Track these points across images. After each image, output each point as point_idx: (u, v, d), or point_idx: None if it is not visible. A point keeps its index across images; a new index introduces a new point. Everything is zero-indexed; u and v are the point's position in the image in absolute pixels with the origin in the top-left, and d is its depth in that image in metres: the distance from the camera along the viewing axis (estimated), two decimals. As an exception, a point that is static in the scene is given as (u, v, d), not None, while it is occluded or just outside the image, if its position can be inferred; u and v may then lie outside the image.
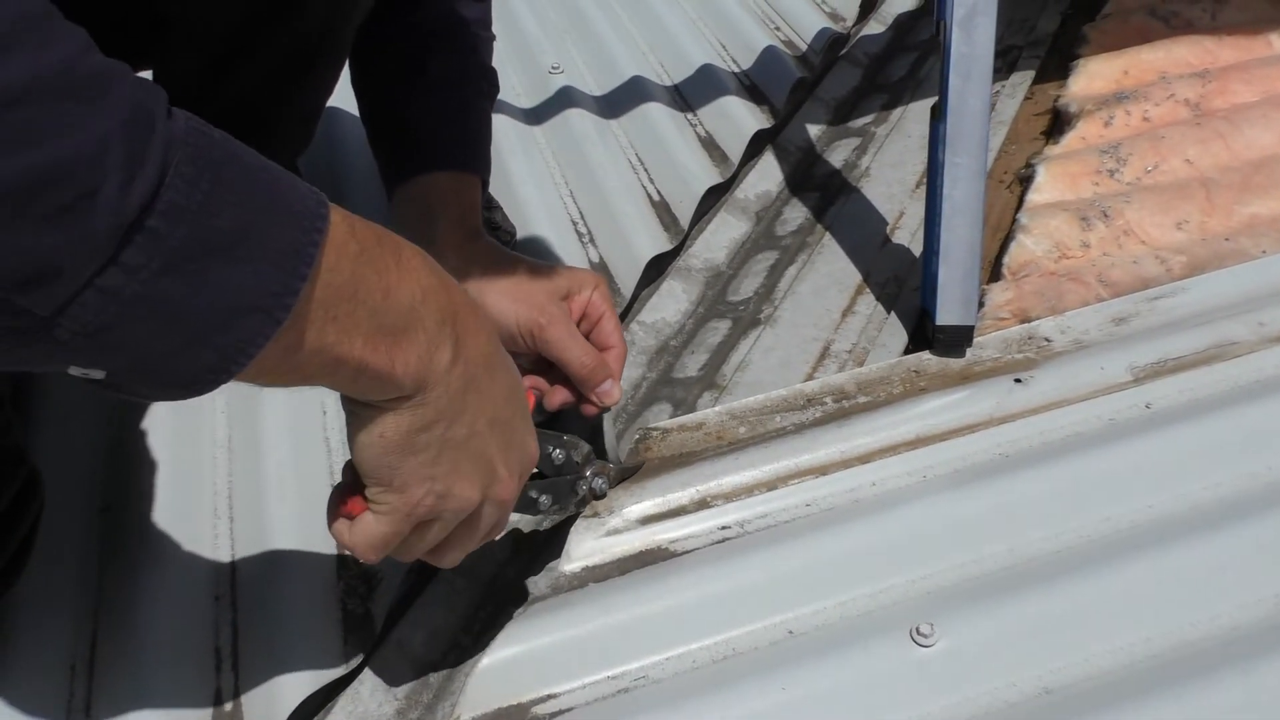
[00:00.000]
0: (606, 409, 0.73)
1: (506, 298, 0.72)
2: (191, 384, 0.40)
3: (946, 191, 0.82)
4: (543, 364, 0.74)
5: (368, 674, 0.69)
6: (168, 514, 0.77)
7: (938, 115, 0.85)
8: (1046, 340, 0.85)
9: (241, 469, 0.81)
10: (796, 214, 1.10)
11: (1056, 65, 1.28)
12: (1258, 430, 0.76)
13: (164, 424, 0.82)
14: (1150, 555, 0.68)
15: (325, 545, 0.76)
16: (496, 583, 0.76)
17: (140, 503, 0.77)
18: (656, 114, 1.20)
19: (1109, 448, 0.75)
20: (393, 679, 0.69)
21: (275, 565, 0.74)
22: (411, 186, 0.80)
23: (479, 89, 0.87)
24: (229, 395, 0.84)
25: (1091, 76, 1.22)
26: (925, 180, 0.90)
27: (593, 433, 0.75)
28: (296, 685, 0.67)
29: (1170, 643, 0.63)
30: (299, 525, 0.76)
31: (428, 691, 0.69)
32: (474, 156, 0.84)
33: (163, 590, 0.72)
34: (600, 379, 0.72)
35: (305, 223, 0.41)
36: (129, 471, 0.79)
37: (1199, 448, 0.75)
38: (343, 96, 1.12)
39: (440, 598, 0.74)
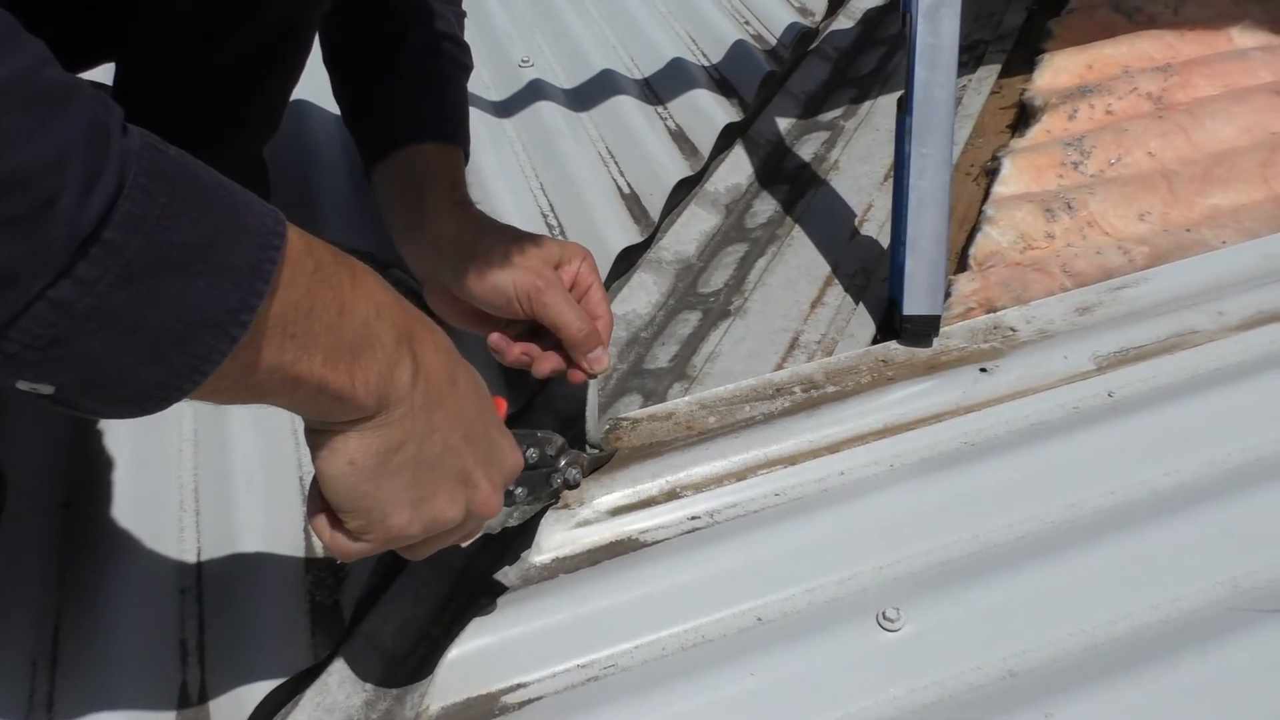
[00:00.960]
0: (595, 376, 0.74)
1: (503, 263, 0.72)
2: (144, 400, 0.39)
3: (913, 182, 0.82)
4: (532, 331, 0.75)
5: (336, 666, 0.69)
6: (132, 508, 0.76)
7: (904, 108, 0.86)
8: (1012, 330, 0.86)
9: (208, 462, 0.80)
10: (766, 206, 1.10)
11: (1022, 59, 1.30)
12: (1217, 418, 0.77)
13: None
14: (1112, 540, 0.69)
15: (293, 537, 0.75)
16: (466, 575, 0.76)
17: (104, 497, 0.76)
18: (627, 107, 1.20)
19: (1072, 436, 0.76)
20: (361, 671, 0.69)
21: (242, 558, 0.74)
22: (396, 161, 0.80)
23: (456, 62, 0.87)
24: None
25: (1056, 71, 1.24)
26: (893, 173, 0.91)
27: (567, 420, 0.75)
28: (264, 677, 0.66)
29: (1131, 625, 0.64)
30: (267, 517, 0.76)
31: (397, 683, 0.69)
32: (457, 128, 0.84)
33: (127, 585, 0.71)
34: (593, 344, 0.73)
35: (263, 239, 0.40)
36: (92, 466, 0.78)
37: (1160, 435, 0.76)
38: (308, 89, 1.12)
39: (410, 590, 0.74)
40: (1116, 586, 0.66)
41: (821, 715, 0.61)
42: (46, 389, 0.38)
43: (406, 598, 0.74)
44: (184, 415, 0.83)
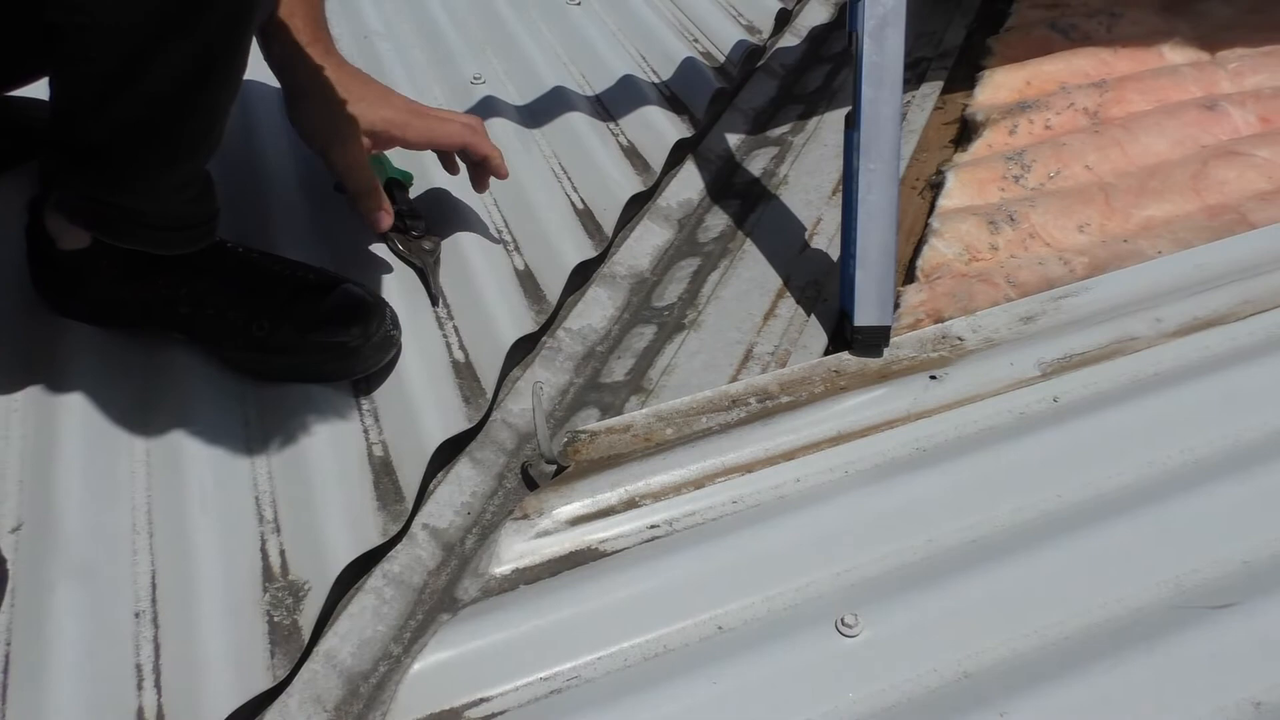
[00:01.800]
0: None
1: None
2: None
3: (861, 196, 0.84)
4: None
5: (296, 686, 0.68)
6: (84, 531, 0.74)
7: (852, 124, 0.88)
8: (959, 339, 0.88)
9: (161, 483, 0.79)
10: (718, 221, 1.12)
11: (964, 76, 1.33)
12: (1157, 421, 0.80)
13: (78, 439, 0.80)
14: (1059, 542, 0.71)
15: (250, 558, 0.75)
16: (425, 590, 0.76)
17: (54, 520, 0.74)
18: (579, 124, 1.20)
19: (1020, 440, 0.79)
20: (322, 691, 0.68)
21: (198, 579, 0.72)
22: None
23: None
24: (147, 410, 0.82)
25: (996, 87, 1.27)
26: (842, 187, 0.92)
27: (524, 436, 0.76)
28: (222, 700, 0.65)
29: (1080, 624, 0.66)
30: (222, 538, 0.75)
31: (358, 702, 0.69)
32: None
33: (79, 608, 0.70)
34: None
35: None
36: (42, 489, 0.77)
37: (1103, 439, 0.79)
38: (261, 106, 1.11)
39: (369, 608, 0.74)
40: (1065, 587, 0.68)
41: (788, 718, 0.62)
42: None
43: (366, 615, 0.73)
44: (135, 437, 0.82)
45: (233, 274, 0.85)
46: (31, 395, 0.82)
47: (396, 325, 0.87)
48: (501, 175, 0.97)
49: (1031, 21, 1.41)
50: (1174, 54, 1.35)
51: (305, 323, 0.84)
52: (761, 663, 0.65)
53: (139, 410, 0.83)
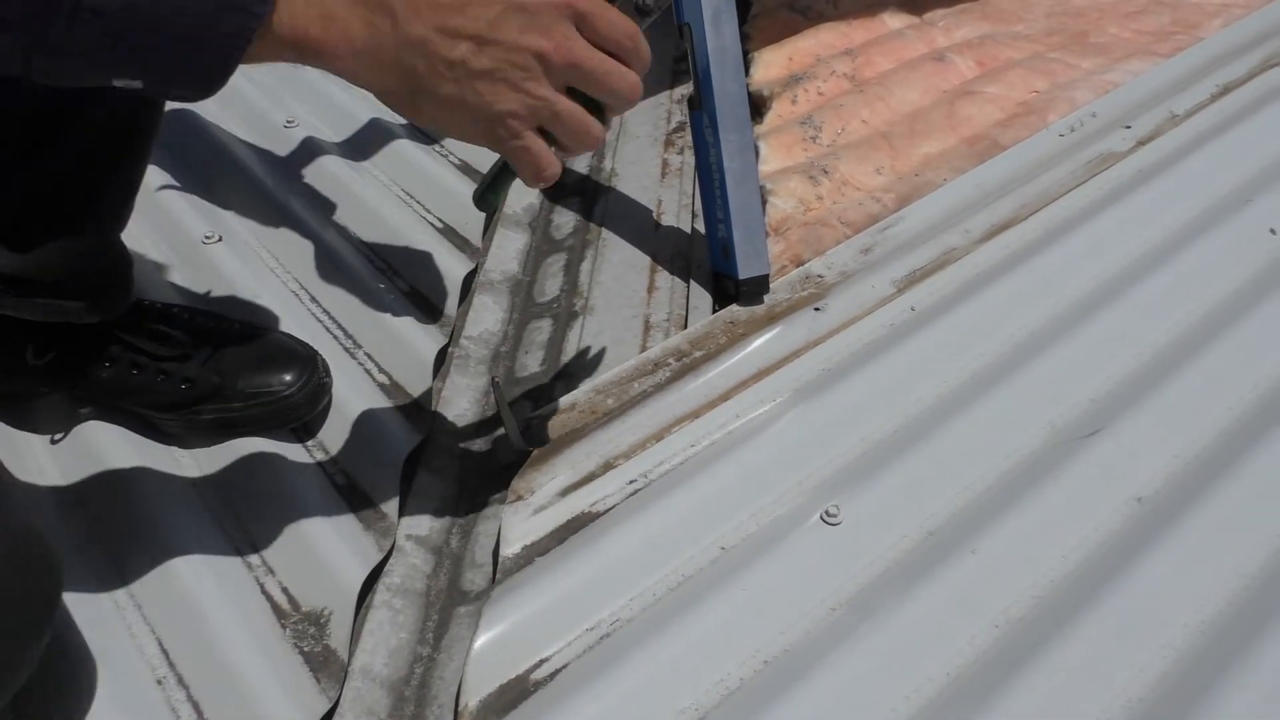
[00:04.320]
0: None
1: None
2: (209, 80, 0.49)
3: (726, 165, 0.95)
4: None
5: (344, 706, 0.70)
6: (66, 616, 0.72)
7: (696, 106, 0.99)
8: (820, 276, 1.02)
9: (125, 562, 0.77)
10: (566, 219, 1.20)
11: (735, 60, 1.48)
12: (993, 308, 0.96)
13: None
14: (959, 415, 0.85)
15: (255, 601, 0.75)
16: (431, 593, 0.80)
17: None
18: (407, 149, 1.24)
19: (900, 345, 0.93)
20: (371, 704, 0.71)
21: (210, 633, 0.72)
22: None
23: None
24: (84, 501, 0.80)
25: (767, 65, 1.43)
26: (696, 162, 1.03)
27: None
28: (287, 733, 0.67)
29: (998, 473, 0.81)
30: (216, 590, 0.75)
31: (407, 705, 0.72)
32: None
33: (97, 691, 0.68)
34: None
35: None
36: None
37: (959, 332, 0.94)
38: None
39: (386, 620, 0.76)
40: (976, 449, 0.83)
41: (804, 605, 0.72)
42: (135, 84, 0.48)
43: (385, 628, 0.76)
44: (74, 530, 0.79)
45: (152, 330, 0.84)
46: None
47: (328, 372, 0.89)
48: None
49: (772, 6, 1.60)
50: (894, 20, 1.58)
51: (233, 372, 0.85)
52: (769, 565, 0.74)
53: (72, 503, 0.80)
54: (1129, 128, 1.21)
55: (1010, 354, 0.92)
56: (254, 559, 0.78)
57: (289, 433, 0.88)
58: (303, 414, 0.87)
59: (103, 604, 0.74)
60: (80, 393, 0.83)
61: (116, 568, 0.77)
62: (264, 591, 0.76)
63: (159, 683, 0.70)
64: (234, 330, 0.86)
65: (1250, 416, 0.84)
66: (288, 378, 0.85)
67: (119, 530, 0.78)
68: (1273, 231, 1.04)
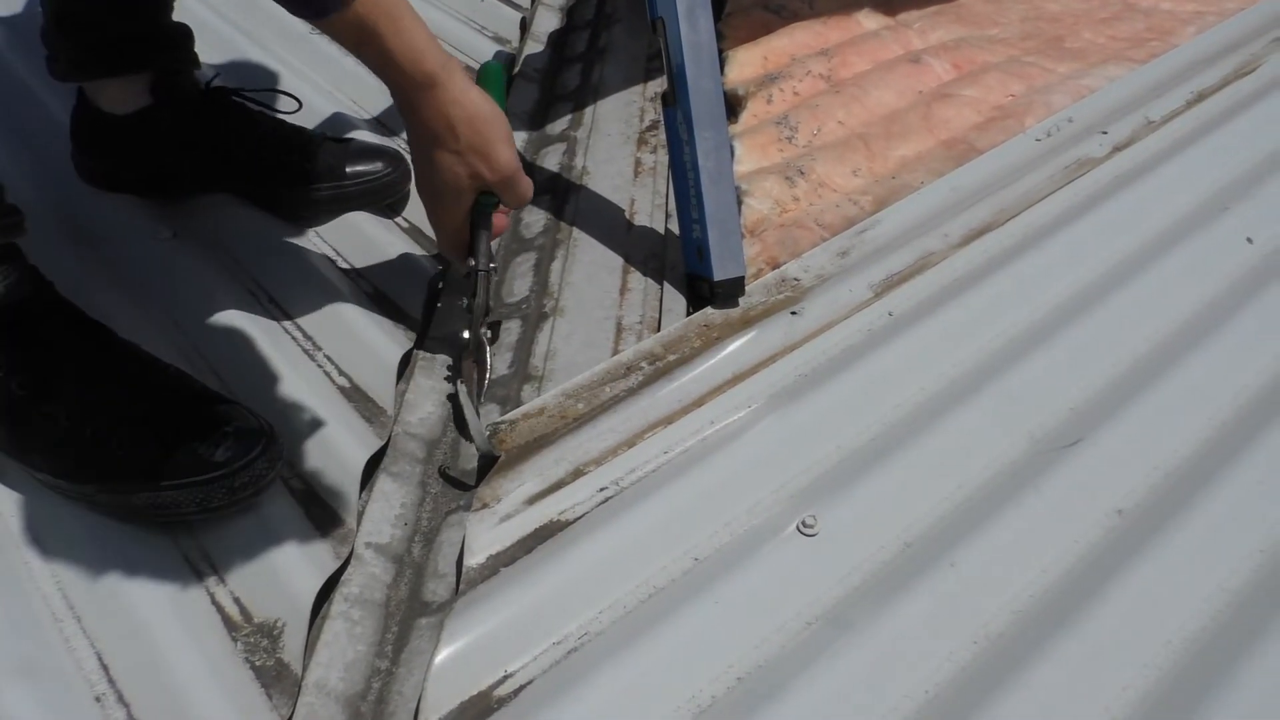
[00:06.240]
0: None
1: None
2: None
3: (701, 163, 0.93)
4: None
5: (299, 724, 0.67)
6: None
7: (670, 102, 0.96)
8: (796, 279, 1.00)
9: (63, 571, 0.73)
10: (537, 218, 1.17)
11: (710, 59, 1.46)
12: (971, 314, 0.95)
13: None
14: (934, 425, 0.83)
15: (204, 612, 0.72)
16: (391, 603, 0.76)
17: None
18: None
19: (877, 351, 0.91)
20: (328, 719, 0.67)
21: (152, 645, 0.69)
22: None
23: None
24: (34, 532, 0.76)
25: (742, 64, 1.41)
26: (670, 161, 1.01)
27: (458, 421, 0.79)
28: (236, 753, 0.63)
29: (977, 483, 0.79)
30: (165, 602, 0.71)
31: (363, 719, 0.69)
32: None
33: (36, 705, 0.64)
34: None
35: None
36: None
37: (938, 336, 0.93)
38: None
39: (342, 632, 0.73)
40: (954, 458, 0.81)
41: (780, 618, 0.69)
42: None
43: (341, 640, 0.72)
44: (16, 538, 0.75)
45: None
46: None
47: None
48: None
49: (746, 5, 1.57)
50: (869, 20, 1.56)
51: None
52: (743, 577, 0.72)
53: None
54: (1105, 133, 1.20)
55: (989, 361, 0.90)
56: (204, 567, 0.75)
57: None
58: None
59: (37, 612, 0.70)
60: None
61: (52, 574, 0.73)
62: (214, 601, 0.73)
63: (97, 700, 0.66)
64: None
65: (1233, 425, 0.82)
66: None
67: (50, 545, 0.74)
68: (1249, 240, 1.04)
